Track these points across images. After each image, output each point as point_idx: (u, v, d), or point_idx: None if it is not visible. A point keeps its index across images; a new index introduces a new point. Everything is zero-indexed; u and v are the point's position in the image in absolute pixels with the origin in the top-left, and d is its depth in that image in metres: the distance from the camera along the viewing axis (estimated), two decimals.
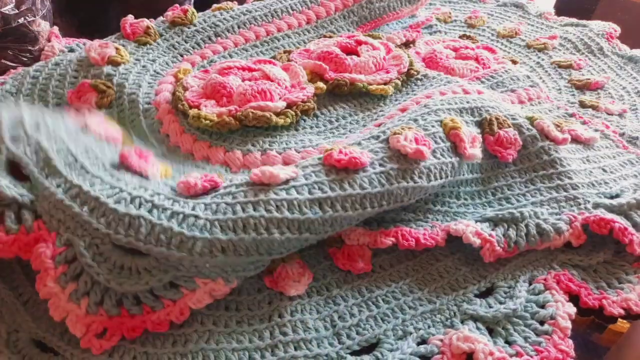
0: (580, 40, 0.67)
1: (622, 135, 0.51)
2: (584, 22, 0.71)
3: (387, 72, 0.51)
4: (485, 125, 0.44)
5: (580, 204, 0.41)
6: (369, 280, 0.37)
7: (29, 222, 0.32)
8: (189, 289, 0.32)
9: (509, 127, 0.44)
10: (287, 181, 0.34)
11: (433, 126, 0.40)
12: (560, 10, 0.77)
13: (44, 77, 0.49)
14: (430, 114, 0.42)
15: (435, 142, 0.39)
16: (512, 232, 0.38)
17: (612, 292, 0.36)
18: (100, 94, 0.47)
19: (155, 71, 0.51)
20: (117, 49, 0.50)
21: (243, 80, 0.48)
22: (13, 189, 0.32)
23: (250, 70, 0.49)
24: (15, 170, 0.34)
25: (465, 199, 0.43)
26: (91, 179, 0.33)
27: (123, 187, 0.33)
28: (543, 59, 0.64)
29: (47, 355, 0.31)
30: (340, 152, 0.36)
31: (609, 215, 0.39)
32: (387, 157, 0.37)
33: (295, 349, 0.33)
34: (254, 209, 0.32)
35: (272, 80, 0.47)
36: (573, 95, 0.58)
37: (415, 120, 0.41)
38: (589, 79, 0.60)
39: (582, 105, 0.56)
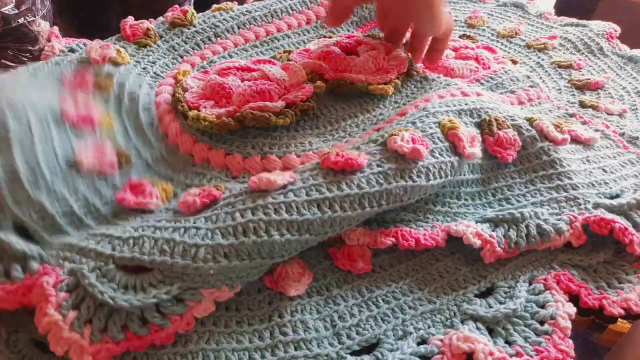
0: (580, 40, 0.67)
1: (622, 135, 0.51)
2: (584, 22, 0.71)
3: (387, 72, 0.51)
4: (484, 126, 0.44)
5: (580, 205, 0.41)
6: (369, 280, 0.37)
7: (34, 269, 0.31)
8: (195, 301, 0.32)
9: (508, 127, 0.44)
10: (284, 186, 0.34)
11: (431, 127, 0.40)
12: (560, 10, 0.77)
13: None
14: (429, 117, 0.42)
15: (434, 142, 0.39)
16: (512, 233, 0.38)
17: (612, 292, 0.36)
18: (99, 78, 0.46)
19: (155, 73, 0.51)
20: (117, 50, 0.50)
21: (242, 80, 0.47)
22: (23, 244, 0.32)
23: (250, 70, 0.49)
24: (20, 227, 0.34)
25: (466, 200, 0.43)
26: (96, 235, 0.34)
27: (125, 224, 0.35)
28: (543, 59, 0.64)
29: (47, 356, 0.31)
30: (337, 154, 0.36)
31: (609, 216, 0.39)
32: (385, 157, 0.37)
33: (295, 349, 0.33)
34: (253, 214, 0.32)
35: (271, 80, 0.47)
36: (573, 95, 0.58)
37: (414, 123, 0.41)
38: (589, 79, 0.60)
39: (582, 105, 0.56)
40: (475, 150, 0.41)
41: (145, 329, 0.30)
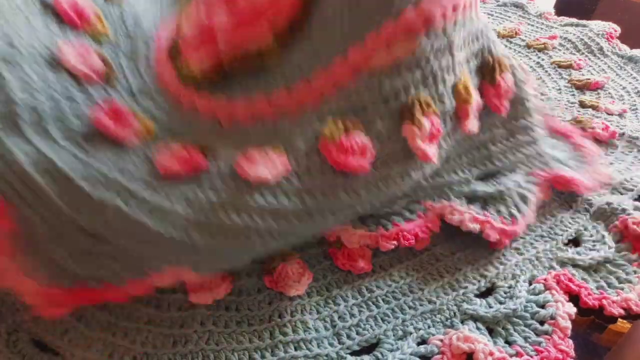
0: (580, 40, 0.67)
1: (622, 135, 0.51)
2: (584, 22, 0.71)
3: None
4: (486, 73, 0.39)
5: (543, 162, 0.43)
6: (369, 280, 0.37)
7: None
8: (156, 271, 0.31)
9: (507, 70, 0.40)
10: (277, 182, 0.32)
11: (449, 98, 0.36)
12: (560, 10, 0.77)
13: None
14: (449, 71, 0.36)
15: (445, 123, 0.36)
16: (502, 208, 0.39)
17: (612, 292, 0.36)
18: None
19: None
20: None
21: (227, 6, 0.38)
22: None
23: None
24: None
25: (454, 160, 0.41)
26: (59, 150, 0.29)
27: (97, 167, 0.30)
28: (543, 59, 0.64)
29: (47, 355, 0.31)
30: (342, 145, 0.33)
31: (567, 172, 0.42)
32: (393, 153, 0.34)
33: (295, 349, 0.33)
34: (237, 214, 0.30)
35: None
36: (573, 95, 0.58)
37: (426, 86, 0.35)
38: (589, 79, 0.60)
39: (582, 105, 0.56)
40: (474, 125, 0.38)
41: (98, 284, 0.29)
